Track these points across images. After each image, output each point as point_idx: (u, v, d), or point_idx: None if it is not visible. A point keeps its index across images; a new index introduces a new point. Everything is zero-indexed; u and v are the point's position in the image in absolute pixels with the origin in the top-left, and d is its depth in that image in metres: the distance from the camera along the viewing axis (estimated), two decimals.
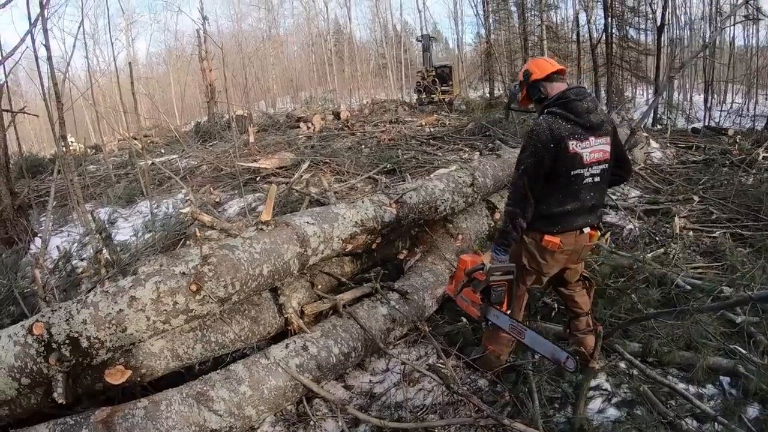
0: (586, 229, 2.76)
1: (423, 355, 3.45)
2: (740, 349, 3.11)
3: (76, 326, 2.34)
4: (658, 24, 17.25)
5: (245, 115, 16.36)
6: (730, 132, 12.06)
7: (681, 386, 2.96)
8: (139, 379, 2.66)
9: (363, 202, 3.72)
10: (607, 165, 2.73)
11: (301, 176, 7.71)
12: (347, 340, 3.10)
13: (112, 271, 4.01)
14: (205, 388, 2.55)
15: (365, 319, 3.27)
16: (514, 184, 2.71)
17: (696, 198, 6.65)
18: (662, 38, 18.16)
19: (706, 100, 17.50)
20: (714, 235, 5.53)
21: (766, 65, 19.05)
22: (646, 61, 22.89)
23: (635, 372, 3.08)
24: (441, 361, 3.17)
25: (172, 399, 2.45)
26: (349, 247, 3.50)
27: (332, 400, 2.83)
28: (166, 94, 36.12)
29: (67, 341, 2.33)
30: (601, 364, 3.11)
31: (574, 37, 25.49)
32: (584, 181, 2.66)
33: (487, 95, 25.11)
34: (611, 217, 6.29)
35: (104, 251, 4.33)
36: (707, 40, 15.86)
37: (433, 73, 21.28)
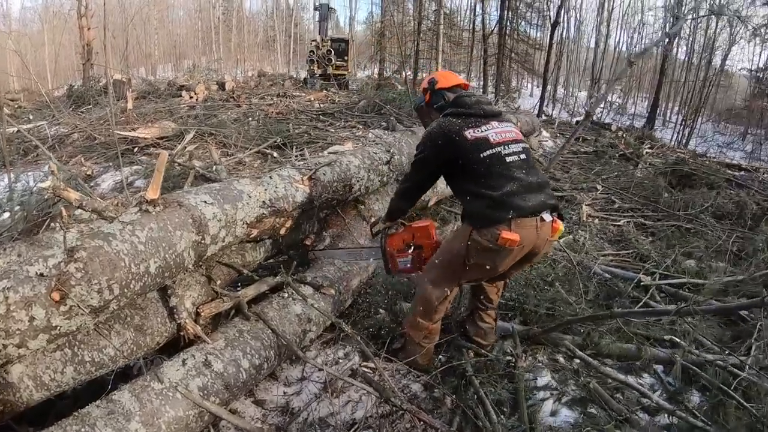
0: (547, 217, 2.45)
1: (342, 357, 2.99)
2: (677, 339, 3.13)
3: None
4: (552, 21, 17.98)
5: (123, 80, 14.75)
6: (613, 128, 13.11)
7: (621, 376, 2.88)
8: None
9: (271, 177, 3.12)
10: (525, 145, 2.66)
11: (185, 148, 6.91)
12: (258, 349, 2.51)
13: None
14: (83, 431, 1.89)
15: (277, 320, 2.71)
16: (402, 179, 2.97)
17: (599, 187, 6.86)
18: (554, 35, 19.05)
19: (590, 96, 18.65)
20: (619, 223, 5.69)
21: (646, 71, 20.68)
22: (534, 55, 24.20)
23: (576, 366, 2.94)
24: (366, 364, 2.75)
25: None
26: (255, 232, 2.91)
27: (248, 429, 2.28)
28: (39, 54, 32.08)
29: None
30: (527, 361, 2.95)
31: (469, 25, 26.27)
32: (507, 159, 2.51)
33: (376, 75, 25.02)
34: None
35: None
36: (669, 31, 16.78)
37: (329, 44, 20.48)
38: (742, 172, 9.60)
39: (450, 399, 2.60)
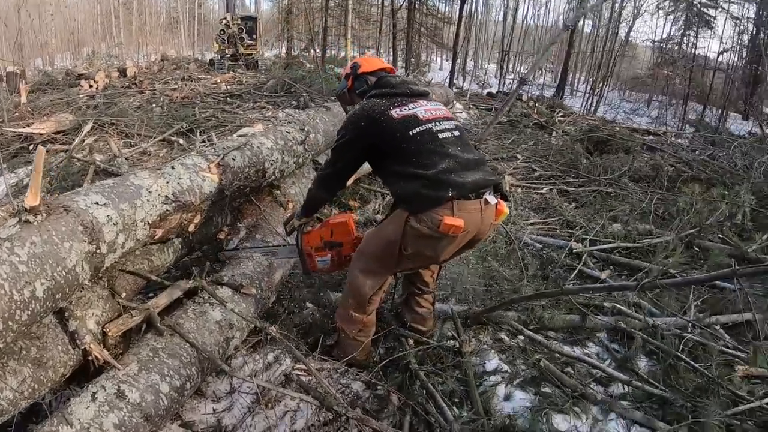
0: (491, 199, 2.25)
1: (273, 361, 2.70)
2: (620, 306, 3.19)
3: None
4: None
5: (17, 72, 13.55)
6: (524, 98, 13.30)
7: (567, 349, 2.88)
8: None
9: (173, 168, 2.76)
10: (458, 123, 2.49)
11: (83, 141, 6.33)
12: (177, 368, 2.18)
13: None
14: None
15: (195, 331, 2.37)
16: (322, 167, 2.73)
17: (520, 157, 6.91)
18: (463, 9, 19.25)
19: (501, 68, 19.00)
20: (542, 191, 5.75)
21: (554, 42, 21.43)
22: (444, 28, 24.54)
23: (522, 344, 2.89)
24: (299, 366, 2.52)
25: None
26: (160, 232, 2.56)
27: None
28: None
29: None
30: (472, 345, 2.80)
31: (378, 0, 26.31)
32: (440, 136, 2.32)
33: (284, 54, 24.47)
34: None
35: None
36: None
37: (238, 22, 19.66)
38: (651, 137, 10.06)
39: (396, 396, 2.42)
